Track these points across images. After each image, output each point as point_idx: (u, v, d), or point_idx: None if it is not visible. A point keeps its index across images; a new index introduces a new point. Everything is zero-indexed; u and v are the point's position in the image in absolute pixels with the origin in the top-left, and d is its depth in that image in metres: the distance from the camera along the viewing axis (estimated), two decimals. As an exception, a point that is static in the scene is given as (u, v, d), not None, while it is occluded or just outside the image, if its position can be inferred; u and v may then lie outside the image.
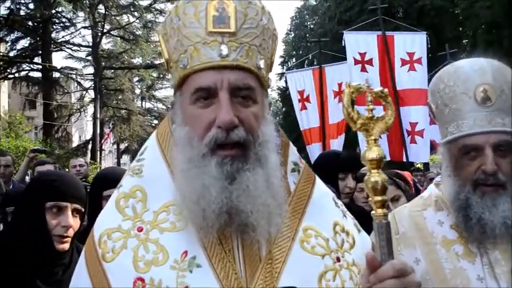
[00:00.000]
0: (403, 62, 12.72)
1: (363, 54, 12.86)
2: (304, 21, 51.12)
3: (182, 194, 1.51)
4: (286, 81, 15.42)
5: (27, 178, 7.82)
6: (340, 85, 13.70)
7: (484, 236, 1.97)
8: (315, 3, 48.92)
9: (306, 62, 31.12)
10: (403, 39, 13.04)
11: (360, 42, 13.08)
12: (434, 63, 13.93)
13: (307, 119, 14.55)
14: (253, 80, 1.53)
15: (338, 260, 1.59)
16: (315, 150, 13.92)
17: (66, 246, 2.48)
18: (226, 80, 1.47)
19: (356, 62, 12.86)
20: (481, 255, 2.01)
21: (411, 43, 12.88)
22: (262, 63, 1.55)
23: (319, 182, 1.76)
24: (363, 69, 12.82)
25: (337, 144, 13.91)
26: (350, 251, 1.64)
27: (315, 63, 20.31)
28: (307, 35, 44.18)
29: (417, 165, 14.28)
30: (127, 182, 1.67)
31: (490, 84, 1.98)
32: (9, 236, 2.57)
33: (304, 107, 14.57)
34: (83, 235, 2.17)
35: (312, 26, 48.77)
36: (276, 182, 1.53)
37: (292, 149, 1.75)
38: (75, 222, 2.50)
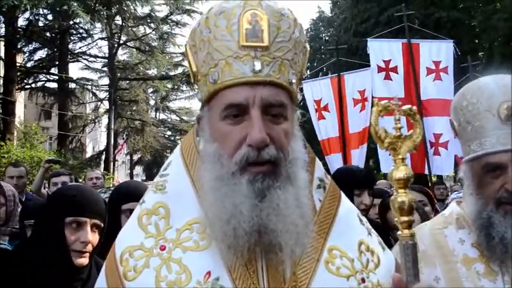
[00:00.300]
0: (429, 71, 12.41)
1: (387, 62, 12.58)
2: (319, 33, 50.88)
3: (211, 213, 1.47)
4: (301, 91, 14.86)
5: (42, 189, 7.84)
6: (362, 92, 13.33)
7: (506, 255, 1.95)
8: (330, 15, 48.80)
9: (321, 74, 31.00)
10: (429, 47, 12.73)
11: (384, 49, 12.79)
12: (455, 75, 13.63)
13: (326, 128, 14.01)
14: (285, 96, 1.48)
15: (363, 281, 1.55)
16: (335, 161, 13.55)
17: (85, 261, 2.47)
18: (258, 96, 1.42)
19: (380, 69, 12.58)
20: (502, 274, 1.99)
21: (437, 51, 12.56)
22: (293, 78, 1.51)
23: (344, 199, 1.72)
24: (387, 77, 12.53)
25: (358, 154, 13.45)
26: (375, 270, 1.60)
27: (330, 74, 20.12)
28: (322, 47, 44.01)
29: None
30: (150, 198, 1.64)
31: None
32: (28, 249, 2.57)
33: (321, 117, 14.00)
34: (102, 249, 2.17)
35: (327, 38, 48.61)
36: (305, 200, 1.49)
37: (318, 164, 1.71)
38: (94, 238, 2.49)
